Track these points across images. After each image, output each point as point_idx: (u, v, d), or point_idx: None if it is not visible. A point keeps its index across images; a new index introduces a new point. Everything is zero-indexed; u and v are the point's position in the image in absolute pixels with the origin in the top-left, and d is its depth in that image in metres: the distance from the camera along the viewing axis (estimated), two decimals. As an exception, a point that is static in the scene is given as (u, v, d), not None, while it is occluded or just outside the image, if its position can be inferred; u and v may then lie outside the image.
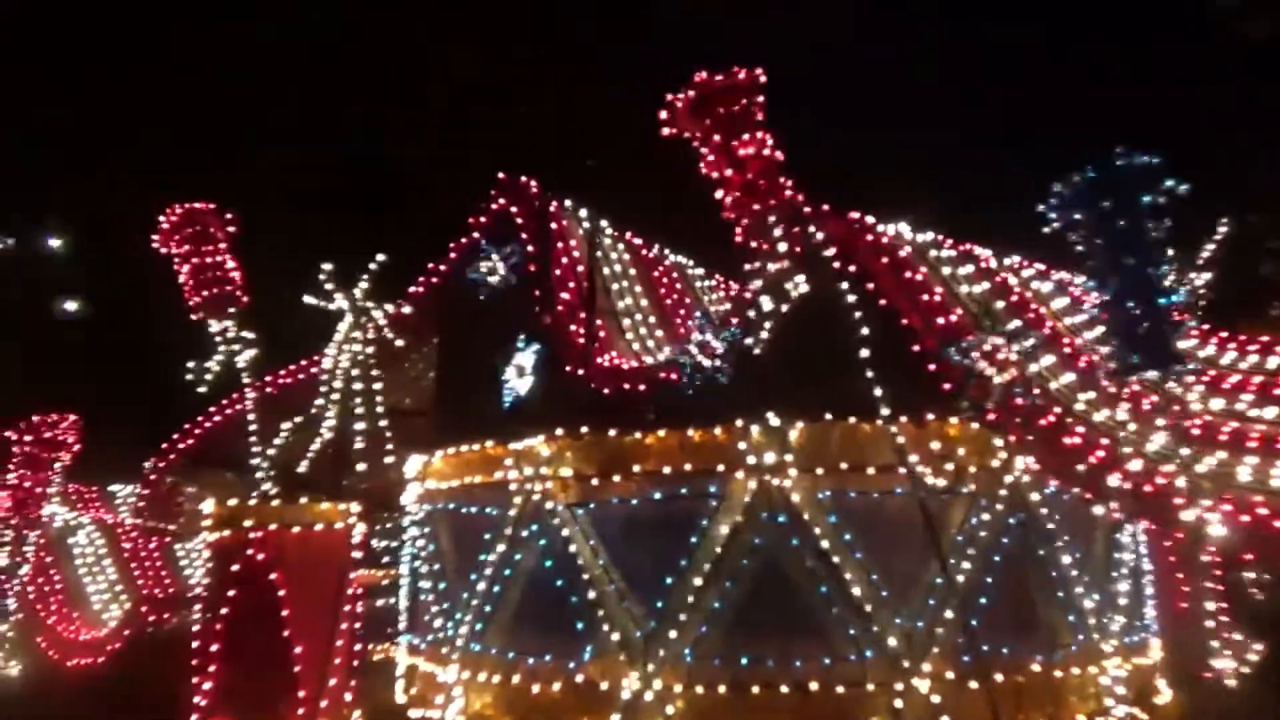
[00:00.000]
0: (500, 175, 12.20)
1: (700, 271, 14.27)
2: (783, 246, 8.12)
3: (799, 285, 7.99)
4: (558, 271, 11.45)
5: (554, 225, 11.79)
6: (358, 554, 11.80)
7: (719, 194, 8.57)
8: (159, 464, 15.25)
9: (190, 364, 12.21)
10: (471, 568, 9.68)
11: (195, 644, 11.16)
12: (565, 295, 11.20)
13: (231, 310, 12.38)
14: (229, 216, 12.91)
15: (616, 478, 8.80)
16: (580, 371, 10.35)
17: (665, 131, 8.84)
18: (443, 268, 12.68)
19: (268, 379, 13.75)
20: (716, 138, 8.37)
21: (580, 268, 11.88)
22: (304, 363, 14.33)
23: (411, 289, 12.78)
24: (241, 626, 10.91)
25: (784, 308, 8.06)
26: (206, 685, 10.85)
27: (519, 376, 10.02)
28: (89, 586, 17.41)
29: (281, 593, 10.97)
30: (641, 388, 10.14)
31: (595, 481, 8.91)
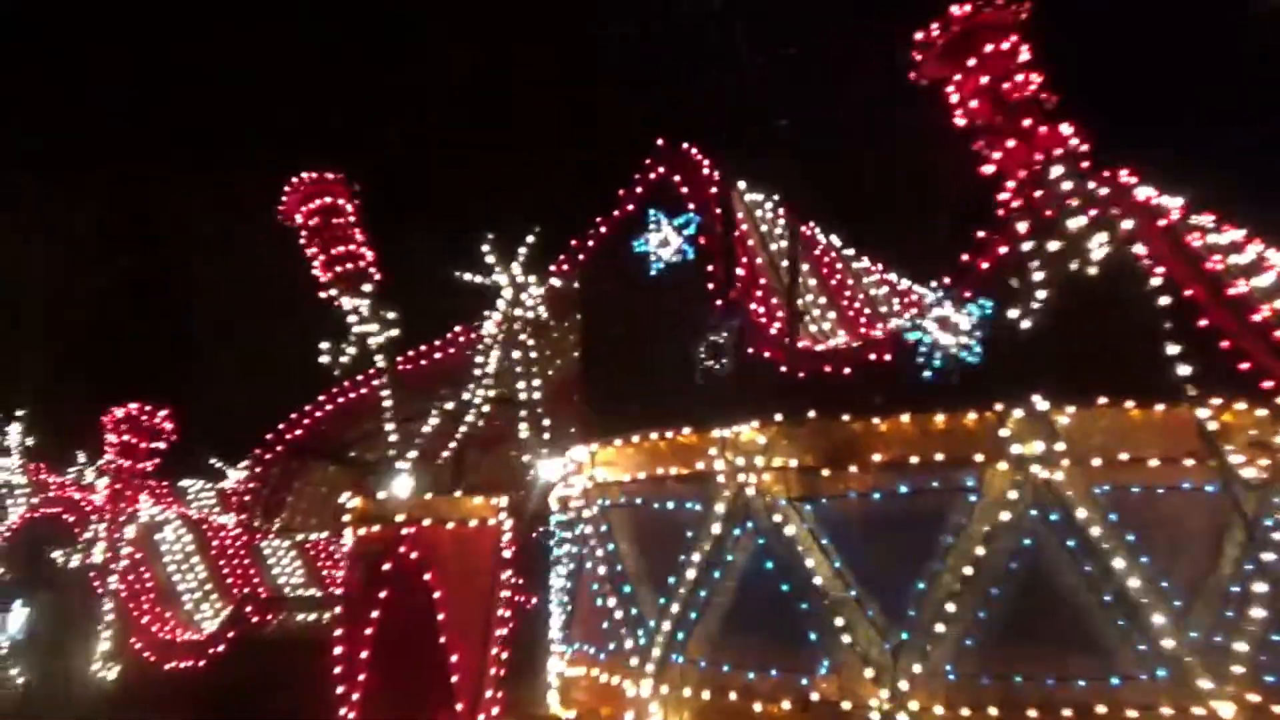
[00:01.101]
0: (660, 142, 11.23)
1: (851, 252, 13.26)
2: (1073, 202, 7.08)
3: (1101, 246, 6.95)
4: (721, 245, 10.48)
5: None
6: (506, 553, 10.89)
7: (980, 145, 7.53)
8: (264, 456, 14.29)
9: (325, 344, 11.29)
10: (667, 570, 8.66)
11: (338, 650, 10.23)
12: (740, 271, 10.25)
13: (366, 288, 11.46)
14: (356, 187, 12.02)
15: (853, 469, 7.78)
16: (769, 353, 9.39)
17: (912, 76, 7.80)
18: (590, 243, 11.73)
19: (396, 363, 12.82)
20: (983, 80, 7.32)
21: (750, 241, 10.92)
22: (424, 348, 13.42)
23: (554, 265, 11.81)
24: (392, 632, 9.99)
25: (1090, 270, 7.00)
26: (354, 695, 9.92)
27: (713, 358, 9.00)
28: (179, 585, 16.55)
29: (436, 594, 10.04)
30: (846, 370, 9.15)
31: (826, 473, 7.90)
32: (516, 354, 10.60)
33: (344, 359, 11.21)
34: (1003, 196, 7.56)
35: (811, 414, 8.00)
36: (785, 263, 11.33)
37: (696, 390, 9.22)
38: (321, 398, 14.04)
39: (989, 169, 7.52)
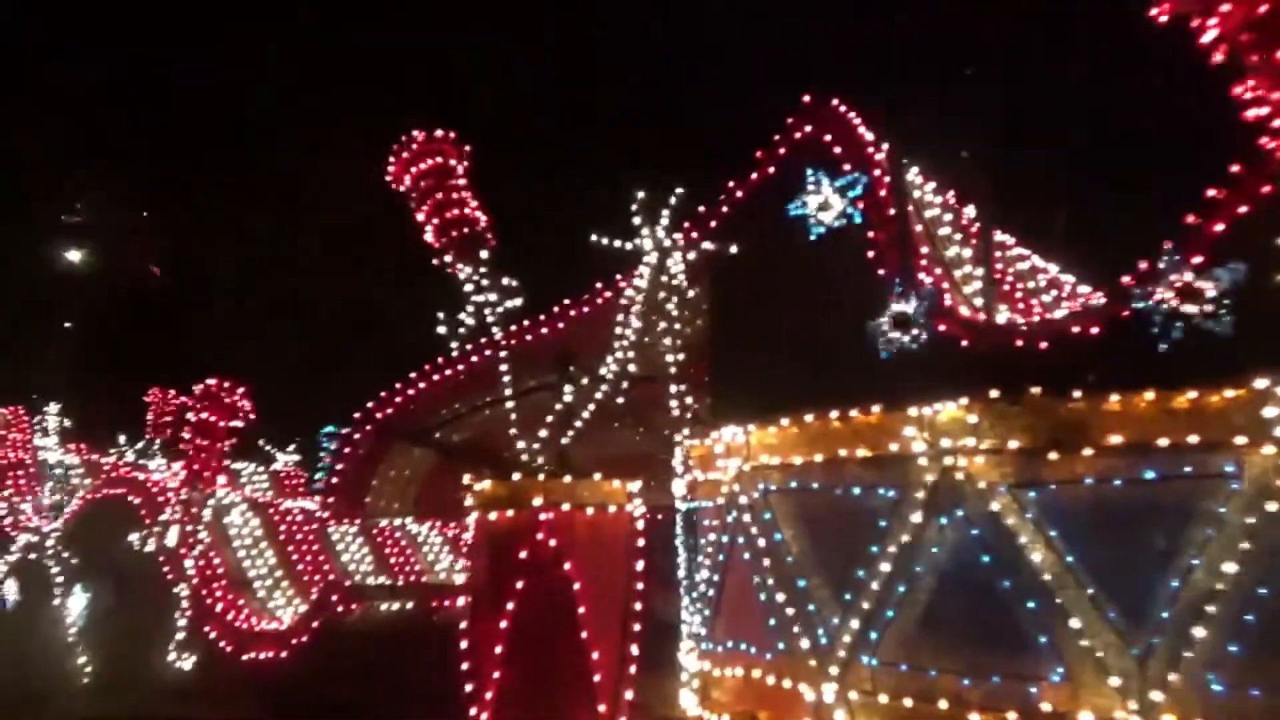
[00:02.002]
0: (805, 98, 10.38)
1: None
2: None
3: None
4: (892, 210, 9.64)
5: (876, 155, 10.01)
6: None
7: (1246, 86, 6.65)
8: (352, 437, 13.46)
9: (440, 314, 10.51)
10: (851, 562, 7.83)
11: (465, 644, 9.45)
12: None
13: (483, 254, 10.66)
14: (466, 149, 11.22)
15: (1088, 451, 6.93)
16: (957, 327, 8.56)
17: (1153, 13, 6.91)
18: (724, 207, 10.88)
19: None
20: (1261, 9, 6.43)
21: (911, 207, 10.07)
22: (527, 322, 12.59)
23: (683, 231, 10.95)
24: (528, 626, 9.20)
25: None
26: (488, 694, 9.14)
27: (902, 330, 8.14)
28: (250, 572, 15.80)
29: (576, 586, 9.25)
30: (1042, 345, 8.31)
31: (1054, 456, 7.05)
32: (662, 324, 9.76)
33: (462, 330, 10.42)
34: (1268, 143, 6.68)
35: (1036, 390, 7.13)
36: (943, 231, 10.52)
37: (877, 365, 8.37)
38: (413, 376, 13.26)
39: (1259, 111, 6.65)
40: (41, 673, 14.39)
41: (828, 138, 10.09)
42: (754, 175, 10.61)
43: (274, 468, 23.34)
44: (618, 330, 10.07)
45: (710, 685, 9.42)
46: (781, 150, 10.46)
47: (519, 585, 9.08)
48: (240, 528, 16.15)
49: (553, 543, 9.16)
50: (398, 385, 13.34)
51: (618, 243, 9.77)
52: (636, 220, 9.75)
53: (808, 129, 10.31)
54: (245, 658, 13.78)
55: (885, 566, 7.62)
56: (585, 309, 11.64)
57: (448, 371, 12.79)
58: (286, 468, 23.69)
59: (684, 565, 10.17)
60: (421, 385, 13.16)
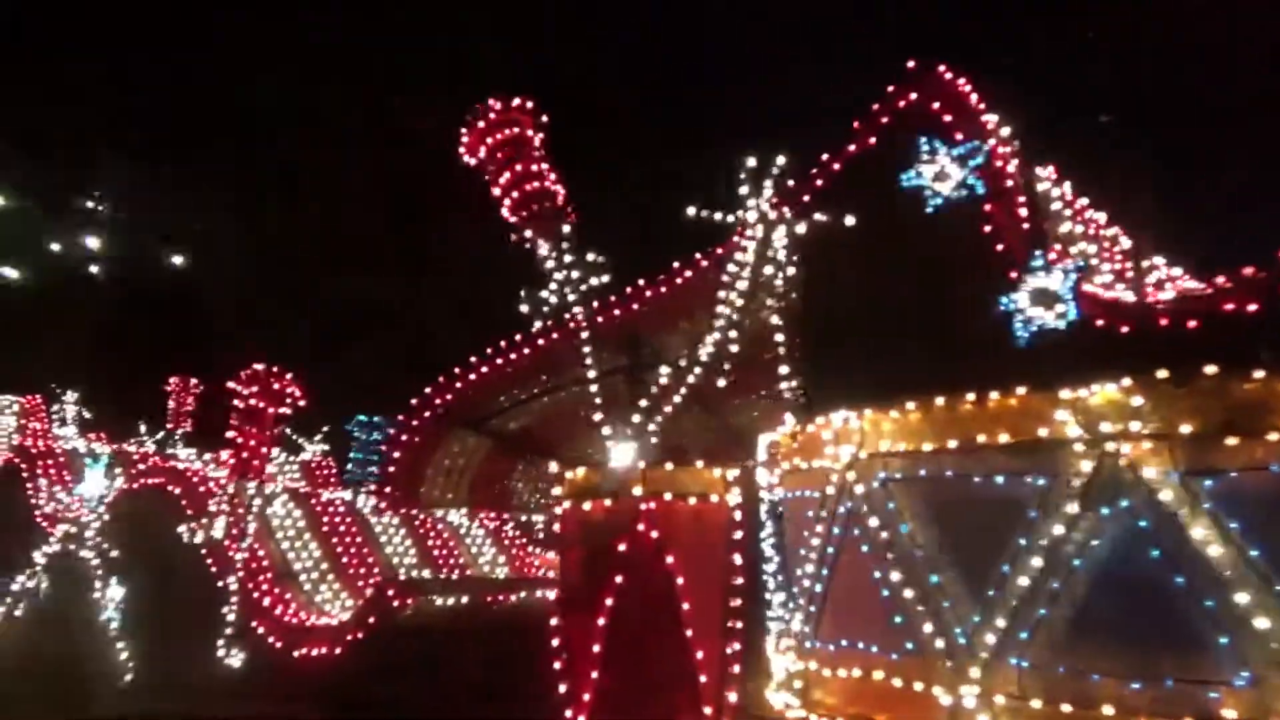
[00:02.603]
0: (910, 64, 9.80)
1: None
2: None
3: None
4: (1009, 182, 9.09)
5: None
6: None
7: None
8: (410, 424, 12.89)
9: (522, 291, 9.92)
10: (993, 556, 7.25)
11: (557, 642, 8.90)
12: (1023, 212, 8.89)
13: (564, 229, 10.07)
14: (544, 119, 10.62)
15: (1272, 435, 6.37)
16: (1111, 304, 8.01)
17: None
18: (819, 181, 10.29)
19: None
20: None
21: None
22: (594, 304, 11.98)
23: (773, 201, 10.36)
24: (627, 623, 8.64)
25: None
26: (585, 695, 8.59)
27: (1042, 307, 7.57)
28: (295, 564, 15.25)
29: (679, 580, 8.69)
30: (1191, 324, 7.76)
31: (1232, 441, 6.48)
32: (770, 301, 9.17)
33: (545, 309, 9.84)
34: None
35: (1211, 369, 6.56)
36: (1057, 205, 9.97)
37: (1009, 345, 7.82)
38: (474, 360, 12.68)
39: None
40: (82, 669, 13.84)
41: (936, 105, 9.53)
42: (853, 146, 10.04)
43: (303, 457, 22.84)
44: (719, 309, 9.47)
45: (813, 685, 8.88)
46: (884, 119, 9.89)
47: (617, 580, 8.52)
48: (283, 519, 15.61)
49: (654, 534, 8.60)
50: (458, 370, 12.77)
51: (716, 215, 9.17)
52: (744, 190, 9.16)
53: (913, 96, 9.74)
54: (296, 654, 13.21)
55: (1036, 560, 7.05)
56: (663, 288, 11.07)
57: (512, 355, 12.23)
58: (316, 457, 23.18)
59: (773, 559, 9.63)
60: (484, 370, 12.60)
